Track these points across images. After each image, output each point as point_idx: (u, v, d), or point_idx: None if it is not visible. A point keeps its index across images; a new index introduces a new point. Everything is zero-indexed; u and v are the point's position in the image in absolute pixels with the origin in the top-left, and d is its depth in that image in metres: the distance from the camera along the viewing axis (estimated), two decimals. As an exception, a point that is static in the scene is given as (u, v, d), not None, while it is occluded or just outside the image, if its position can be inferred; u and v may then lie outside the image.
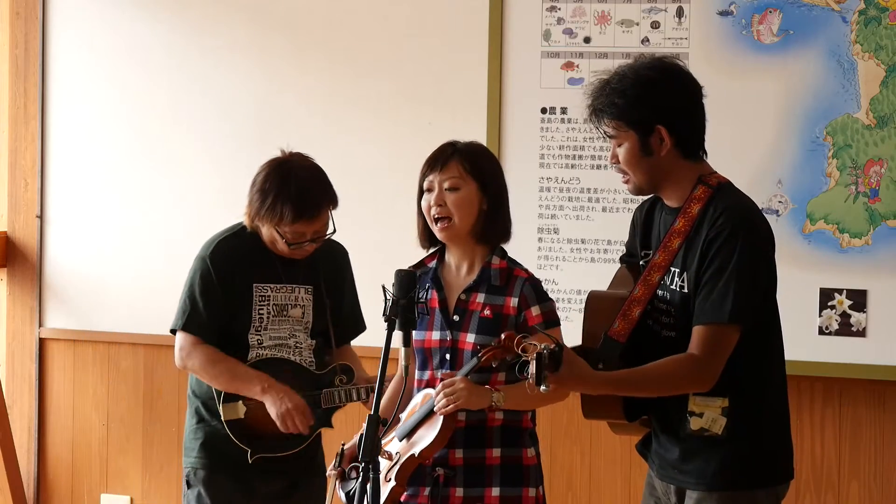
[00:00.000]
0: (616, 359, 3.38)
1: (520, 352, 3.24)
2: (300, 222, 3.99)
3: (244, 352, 4.08)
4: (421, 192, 3.78)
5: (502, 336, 3.55)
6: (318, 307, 4.15)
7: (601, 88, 3.42)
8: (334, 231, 4.10)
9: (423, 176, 3.77)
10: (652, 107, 3.38)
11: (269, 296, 4.10)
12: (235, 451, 4.05)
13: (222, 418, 4.05)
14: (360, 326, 4.31)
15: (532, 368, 3.19)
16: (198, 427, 4.14)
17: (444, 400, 3.61)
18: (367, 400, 4.10)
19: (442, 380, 3.66)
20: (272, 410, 4.00)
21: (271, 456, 4.07)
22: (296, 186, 3.99)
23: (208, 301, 4.07)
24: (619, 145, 3.42)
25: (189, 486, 4.15)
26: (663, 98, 3.39)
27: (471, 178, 3.73)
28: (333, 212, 4.08)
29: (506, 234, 3.80)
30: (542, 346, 3.20)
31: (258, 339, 4.08)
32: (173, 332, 4.14)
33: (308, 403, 4.05)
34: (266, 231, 4.06)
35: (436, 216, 3.73)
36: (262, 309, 4.09)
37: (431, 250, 3.86)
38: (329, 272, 4.19)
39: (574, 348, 3.39)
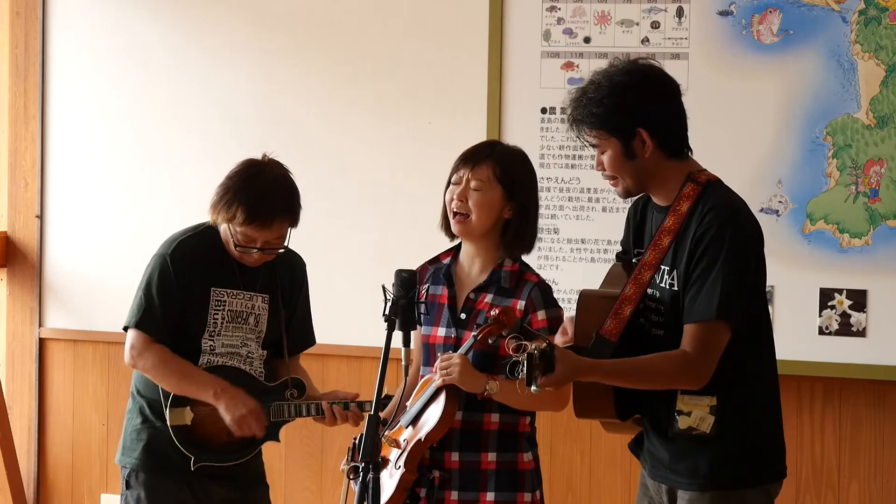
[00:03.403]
0: (608, 358, 3.38)
1: (511, 352, 3.25)
2: (251, 227, 3.92)
3: (195, 356, 4.01)
4: (449, 183, 3.80)
5: (496, 311, 3.56)
6: (273, 317, 4.10)
7: (578, 99, 3.45)
8: (286, 248, 4.02)
9: (455, 168, 3.79)
10: (630, 112, 3.40)
11: (225, 301, 4.03)
12: (178, 456, 3.98)
13: (168, 423, 3.97)
14: (309, 340, 4.25)
15: (523, 368, 3.20)
16: (141, 428, 4.06)
17: (439, 373, 3.63)
18: (317, 416, 4.04)
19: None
20: (226, 416, 3.95)
21: (214, 465, 4.00)
22: (257, 190, 3.93)
23: (164, 300, 3.99)
24: (603, 153, 3.45)
25: (128, 486, 4.07)
26: (640, 102, 3.40)
27: (498, 184, 3.73)
28: (293, 230, 4.00)
29: (529, 245, 3.81)
30: (533, 347, 3.21)
31: (210, 345, 4.02)
32: (125, 328, 4.05)
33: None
34: (223, 229, 4.00)
35: (455, 210, 3.75)
36: (217, 314, 4.02)
37: (448, 247, 3.87)
38: (286, 283, 4.13)
39: (566, 348, 3.40)
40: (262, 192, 3.94)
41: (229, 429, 3.99)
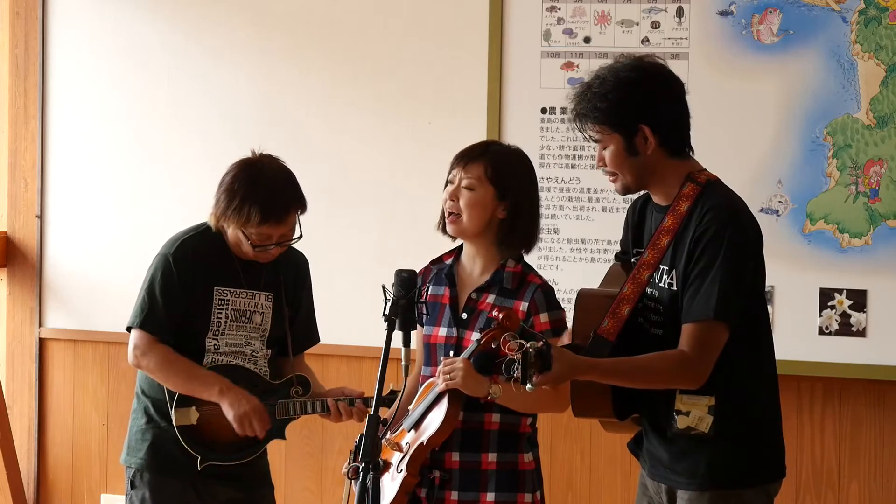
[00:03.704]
0: (605, 357, 3.38)
1: (506, 350, 3.25)
2: (267, 225, 3.93)
3: (199, 356, 4.01)
4: (447, 183, 3.80)
5: (500, 315, 3.56)
6: (277, 315, 4.10)
7: (583, 93, 3.45)
8: (301, 236, 4.03)
9: (451, 168, 3.79)
10: (634, 108, 3.39)
11: (228, 300, 4.03)
12: (183, 456, 3.98)
13: (174, 423, 3.97)
14: (313, 338, 4.25)
15: (518, 367, 3.20)
16: (146, 428, 4.06)
17: (442, 378, 3.62)
18: (323, 413, 4.05)
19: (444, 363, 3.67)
20: (229, 413, 3.94)
21: (221, 464, 4.00)
22: (265, 188, 3.94)
23: (167, 300, 3.99)
24: (605, 148, 3.45)
25: (133, 486, 4.07)
26: (644, 98, 3.41)
27: (489, 183, 3.72)
28: (301, 216, 4.02)
29: (527, 244, 3.80)
30: (529, 345, 3.21)
31: (214, 344, 4.02)
32: (129, 329, 4.05)
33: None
34: (231, 232, 4.00)
35: (447, 210, 3.75)
36: (221, 313, 4.02)
37: (448, 247, 3.87)
38: (290, 280, 4.14)
39: (564, 347, 3.40)
40: (270, 189, 3.95)
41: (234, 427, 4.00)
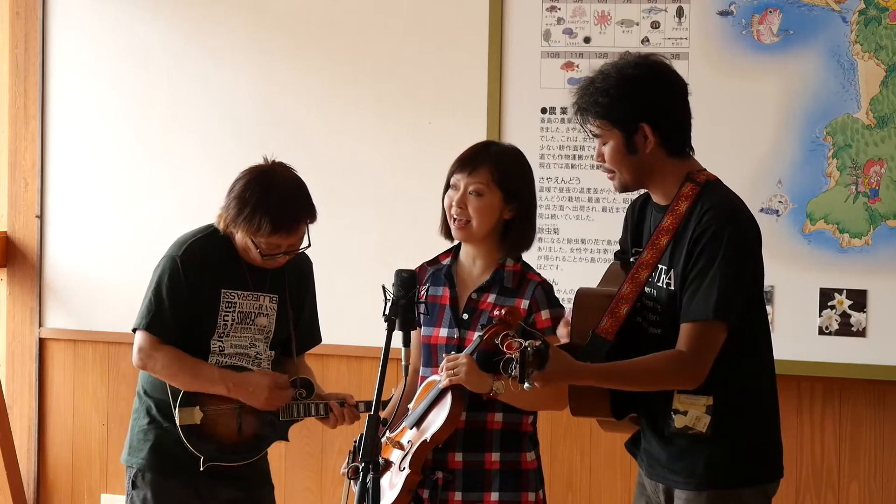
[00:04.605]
0: (603, 356, 3.38)
1: (504, 349, 3.25)
2: (277, 235, 3.92)
3: (204, 358, 4.00)
4: (447, 187, 3.78)
5: (503, 311, 3.56)
6: (282, 317, 4.10)
7: (586, 88, 3.44)
8: (309, 245, 4.02)
9: (452, 173, 3.78)
10: (635, 105, 3.39)
11: (235, 302, 4.03)
12: (185, 456, 3.97)
13: (177, 423, 3.97)
14: (316, 338, 4.26)
15: (516, 366, 3.20)
16: (148, 428, 4.06)
17: (445, 374, 3.62)
18: (326, 416, 4.05)
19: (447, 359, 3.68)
20: (254, 405, 3.98)
21: (223, 465, 4.00)
22: (276, 198, 3.92)
23: (174, 302, 3.99)
24: (605, 144, 3.44)
25: (135, 486, 4.07)
26: (647, 96, 3.40)
27: (497, 186, 3.72)
28: (311, 225, 4.01)
29: (528, 244, 3.81)
30: (527, 344, 3.21)
31: (220, 346, 4.02)
32: (134, 330, 4.05)
33: (267, 417, 4.02)
34: (240, 238, 3.99)
35: (455, 217, 3.74)
36: (227, 315, 4.02)
37: (447, 248, 3.87)
38: (294, 282, 4.14)
39: (562, 346, 3.40)
40: (282, 200, 3.93)
41: (239, 428, 4.00)
